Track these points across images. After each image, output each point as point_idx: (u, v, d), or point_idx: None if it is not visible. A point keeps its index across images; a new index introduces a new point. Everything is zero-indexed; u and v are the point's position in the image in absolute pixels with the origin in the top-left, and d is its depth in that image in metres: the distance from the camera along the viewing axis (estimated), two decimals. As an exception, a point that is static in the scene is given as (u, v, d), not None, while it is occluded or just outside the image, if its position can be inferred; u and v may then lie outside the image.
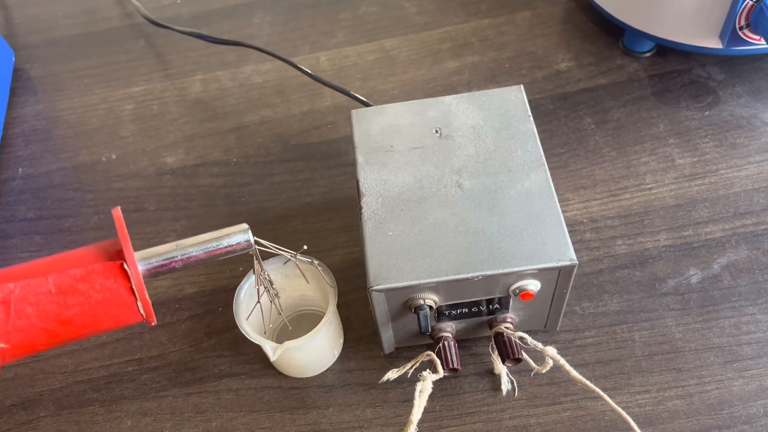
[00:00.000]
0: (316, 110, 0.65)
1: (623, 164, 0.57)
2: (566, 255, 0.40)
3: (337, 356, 0.50)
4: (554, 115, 0.61)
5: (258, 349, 0.50)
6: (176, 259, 0.37)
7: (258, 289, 0.42)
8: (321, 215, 0.57)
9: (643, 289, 0.50)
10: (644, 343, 0.48)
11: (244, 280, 0.47)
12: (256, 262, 0.40)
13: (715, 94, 0.61)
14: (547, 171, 0.44)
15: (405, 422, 0.46)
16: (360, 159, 0.46)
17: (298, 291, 0.50)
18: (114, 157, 0.63)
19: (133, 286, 0.34)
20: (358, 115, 0.49)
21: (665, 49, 0.64)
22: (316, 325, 0.44)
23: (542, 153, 0.45)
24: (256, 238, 0.39)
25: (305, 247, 0.44)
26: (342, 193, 0.59)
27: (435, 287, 0.41)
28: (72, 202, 0.61)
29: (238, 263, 0.55)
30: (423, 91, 0.65)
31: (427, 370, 0.43)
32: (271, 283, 0.42)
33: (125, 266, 0.34)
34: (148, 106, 0.67)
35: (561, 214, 0.42)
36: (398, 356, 0.49)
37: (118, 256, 0.35)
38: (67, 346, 0.52)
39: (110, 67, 0.70)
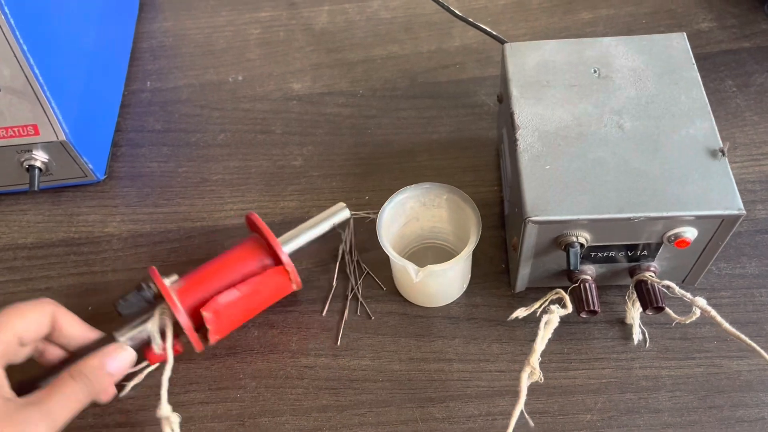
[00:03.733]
0: (444, 50, 0.64)
1: (765, 130, 0.55)
2: (734, 204, 0.39)
3: (464, 290, 0.50)
4: (693, 74, 0.59)
5: (385, 275, 0.50)
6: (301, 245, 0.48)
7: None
8: (447, 153, 0.57)
9: (784, 256, 0.49)
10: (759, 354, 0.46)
11: (386, 203, 0.47)
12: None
13: None
14: (713, 120, 0.43)
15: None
16: (514, 92, 0.46)
17: (431, 222, 0.50)
18: (240, 78, 0.64)
19: (291, 277, 0.46)
20: (512, 48, 0.48)
21: (815, 17, 0.61)
22: (440, 260, 0.44)
23: (707, 102, 0.44)
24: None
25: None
26: (469, 132, 0.58)
27: (590, 225, 0.41)
28: (199, 117, 0.61)
29: (365, 192, 0.55)
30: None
31: (556, 305, 0.42)
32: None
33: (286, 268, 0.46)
34: (275, 32, 0.67)
35: (728, 164, 0.41)
36: (526, 297, 0.49)
37: (271, 252, 0.46)
38: (195, 255, 0.53)
39: (237, -9, 0.70)
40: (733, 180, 0.40)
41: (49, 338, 0.42)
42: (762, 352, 0.40)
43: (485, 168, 0.55)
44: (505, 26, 0.65)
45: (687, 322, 0.43)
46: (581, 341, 0.47)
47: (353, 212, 0.50)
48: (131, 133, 0.61)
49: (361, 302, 0.49)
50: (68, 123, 0.51)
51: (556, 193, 0.41)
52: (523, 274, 0.46)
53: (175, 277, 0.45)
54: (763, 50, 0.60)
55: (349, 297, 0.50)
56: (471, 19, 0.59)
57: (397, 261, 0.44)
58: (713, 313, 0.41)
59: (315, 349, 0.48)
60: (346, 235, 0.51)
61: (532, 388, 0.45)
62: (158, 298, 0.44)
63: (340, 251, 0.51)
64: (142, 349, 0.44)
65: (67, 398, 0.39)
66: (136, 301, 0.44)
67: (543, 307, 0.44)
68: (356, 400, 0.46)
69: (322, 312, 0.49)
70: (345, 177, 0.56)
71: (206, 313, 0.43)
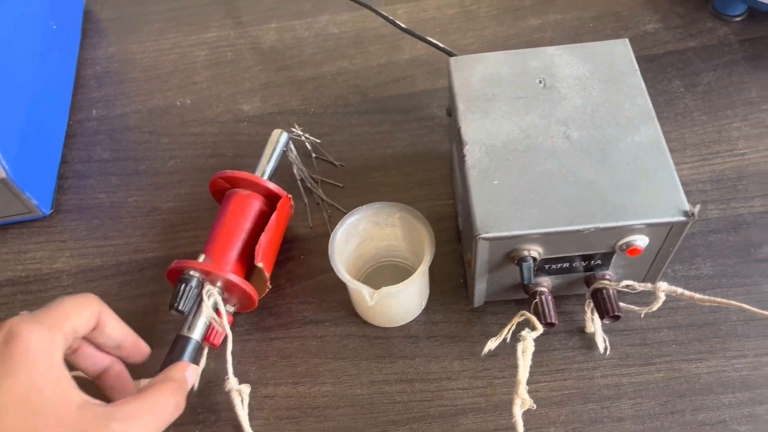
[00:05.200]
0: (394, 63, 0.63)
1: (714, 129, 0.56)
2: (681, 210, 0.39)
3: (423, 308, 0.49)
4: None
5: (342, 297, 0.50)
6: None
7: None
8: (402, 168, 0.56)
9: (738, 255, 0.49)
10: (740, 308, 0.47)
11: (338, 225, 0.46)
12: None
13: (810, 61, 0.59)
14: (658, 126, 0.43)
15: (493, 376, 0.46)
16: (461, 107, 0.45)
17: (386, 240, 0.49)
18: (189, 102, 0.62)
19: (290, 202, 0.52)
20: (457, 62, 0.48)
21: (757, 14, 0.62)
22: (397, 278, 0.44)
23: (652, 107, 0.44)
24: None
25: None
26: (423, 146, 0.58)
27: (541, 239, 0.41)
28: (148, 144, 0.60)
29: (319, 214, 0.54)
30: (503, 48, 0.62)
31: (526, 329, 0.42)
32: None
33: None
34: (222, 52, 0.66)
35: (674, 169, 0.41)
36: (485, 311, 0.49)
37: (257, 190, 0.51)
38: (147, 288, 0.52)
39: (183, 12, 0.69)
40: (680, 186, 0.40)
41: (86, 336, 0.40)
42: (743, 305, 0.40)
43: (440, 181, 0.55)
44: (453, 36, 0.64)
45: (655, 309, 0.43)
46: (542, 353, 0.46)
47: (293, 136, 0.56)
48: (78, 164, 0.59)
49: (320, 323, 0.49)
50: (8, 160, 0.49)
51: (505, 208, 0.41)
52: (480, 289, 0.46)
53: (202, 257, 0.47)
54: (709, 49, 0.61)
55: (307, 320, 0.49)
56: (418, 32, 0.58)
57: (351, 285, 0.43)
58: (680, 290, 0.41)
59: (274, 377, 0.47)
60: (294, 157, 0.55)
61: (496, 404, 0.45)
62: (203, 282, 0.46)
63: (297, 173, 0.55)
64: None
65: (164, 406, 0.38)
66: (189, 294, 0.45)
67: (510, 331, 0.43)
68: (318, 428, 0.45)
69: (284, 336, 0.48)
70: (301, 197, 0.55)
71: (260, 264, 0.46)
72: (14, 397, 0.33)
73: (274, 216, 0.48)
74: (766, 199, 0.52)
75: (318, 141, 0.58)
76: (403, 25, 0.58)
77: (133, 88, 0.64)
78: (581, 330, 0.47)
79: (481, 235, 0.40)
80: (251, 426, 0.44)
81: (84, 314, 0.38)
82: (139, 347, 0.43)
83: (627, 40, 0.48)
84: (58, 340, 0.36)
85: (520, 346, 0.41)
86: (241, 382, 0.45)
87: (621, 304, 0.44)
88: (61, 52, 0.63)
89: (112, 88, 0.64)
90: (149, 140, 0.60)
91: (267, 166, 0.52)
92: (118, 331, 0.41)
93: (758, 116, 0.56)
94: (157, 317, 0.50)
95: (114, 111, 0.62)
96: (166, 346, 0.48)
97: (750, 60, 0.60)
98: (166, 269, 0.52)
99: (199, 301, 0.46)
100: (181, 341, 0.45)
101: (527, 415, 0.44)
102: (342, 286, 0.46)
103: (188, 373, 0.43)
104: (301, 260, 0.52)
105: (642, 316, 0.45)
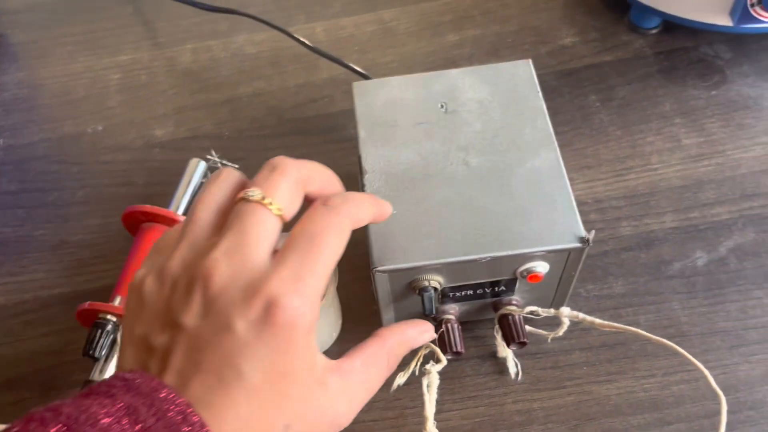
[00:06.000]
0: (312, 83, 0.62)
1: (629, 143, 0.56)
2: (576, 237, 0.39)
3: (335, 338, 0.48)
4: (558, 91, 0.59)
5: (253, 330, 0.48)
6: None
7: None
8: (317, 192, 0.55)
9: (649, 272, 0.49)
10: (650, 327, 0.47)
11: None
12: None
13: (722, 73, 0.59)
14: (557, 150, 0.43)
15: (404, 406, 0.45)
16: (362, 134, 0.45)
17: (295, 270, 0.48)
18: (100, 128, 0.61)
19: None
20: (360, 87, 0.47)
21: (672, 26, 0.62)
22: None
23: (552, 131, 0.44)
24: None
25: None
26: (340, 169, 0.55)
27: (440, 269, 0.40)
28: (57, 174, 0.58)
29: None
30: (423, 65, 0.62)
31: (431, 362, 0.41)
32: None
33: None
34: (136, 75, 0.64)
35: (572, 195, 0.41)
36: (398, 338, 0.48)
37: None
38: (53, 326, 0.50)
39: (95, 34, 0.67)
40: (577, 212, 0.40)
41: None
42: (638, 330, 0.40)
43: (355, 205, 0.54)
44: (372, 54, 0.64)
45: (560, 334, 0.42)
46: (454, 380, 0.46)
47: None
48: (-18, 197, 0.57)
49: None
50: None
51: (402, 239, 0.40)
52: (388, 318, 0.45)
53: (118, 299, 0.46)
54: (624, 62, 0.61)
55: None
56: (334, 52, 0.58)
57: (251, 321, 0.42)
58: (581, 315, 0.41)
59: (181, 417, 0.46)
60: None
61: (406, 436, 0.44)
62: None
63: None
64: None
65: (377, 373, 0.33)
66: (104, 339, 0.44)
67: (418, 363, 0.43)
68: (225, 469, 0.44)
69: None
70: (211, 226, 0.54)
71: None
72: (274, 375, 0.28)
73: None
74: (676, 215, 0.52)
75: (236, 166, 0.57)
76: (313, 46, 0.58)
77: (43, 115, 0.62)
78: (493, 354, 0.47)
79: (377, 268, 0.39)
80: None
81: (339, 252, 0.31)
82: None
83: (530, 61, 0.47)
84: (315, 314, 0.30)
85: (425, 381, 0.40)
86: None
87: (529, 328, 0.44)
88: (-35, 80, 0.61)
89: (20, 116, 0.62)
90: (58, 170, 0.58)
91: (183, 198, 0.51)
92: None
93: (671, 130, 0.56)
94: (62, 357, 0.49)
95: (22, 140, 0.60)
96: (71, 388, 0.47)
97: (664, 72, 0.60)
98: (73, 305, 0.51)
99: (112, 344, 0.44)
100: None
101: (436, 447, 0.43)
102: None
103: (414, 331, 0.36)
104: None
105: (549, 341, 0.45)
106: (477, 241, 0.39)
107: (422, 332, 0.37)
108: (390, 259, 0.39)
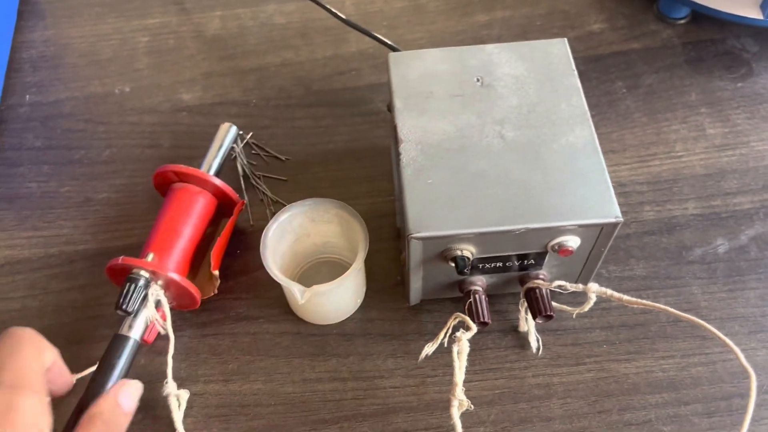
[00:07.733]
0: (340, 56, 0.62)
1: (653, 131, 0.57)
2: (611, 212, 0.40)
3: (359, 305, 0.49)
4: (585, 76, 0.60)
5: (277, 294, 0.49)
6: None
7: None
8: (343, 163, 0.56)
9: (670, 257, 0.50)
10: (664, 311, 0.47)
11: (271, 222, 0.45)
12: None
13: (748, 66, 0.60)
14: (592, 127, 0.43)
15: (426, 375, 0.46)
16: (398, 104, 0.45)
17: (323, 237, 0.48)
18: (127, 90, 0.61)
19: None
20: (395, 58, 0.47)
21: (700, 17, 0.63)
22: (336, 274, 0.43)
23: (587, 108, 0.44)
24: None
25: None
26: (365, 142, 0.57)
27: (474, 238, 0.40)
28: (83, 133, 0.58)
29: (260, 208, 0.53)
30: (451, 44, 0.63)
31: (460, 330, 0.42)
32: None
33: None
34: (164, 39, 0.64)
35: (606, 171, 0.41)
36: (421, 309, 0.48)
37: (204, 187, 0.49)
38: (78, 281, 0.50)
39: (124, -3, 0.67)
40: (611, 187, 0.41)
41: None
42: (667, 308, 0.40)
43: (381, 178, 0.55)
44: (401, 30, 0.64)
45: (586, 309, 0.43)
46: (475, 351, 0.46)
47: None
48: (8, 151, 0.57)
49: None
50: (-72, 146, 0.47)
51: (438, 207, 0.40)
52: (415, 288, 0.46)
53: (150, 255, 0.45)
54: (651, 51, 0.61)
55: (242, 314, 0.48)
56: (363, 26, 0.57)
57: (282, 282, 0.43)
58: (610, 291, 0.41)
59: (205, 375, 0.46)
60: (240, 151, 0.55)
61: (428, 403, 0.45)
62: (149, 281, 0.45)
63: (240, 169, 0.55)
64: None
65: None
66: (137, 293, 0.43)
67: (447, 334, 0.43)
68: (247, 427, 0.44)
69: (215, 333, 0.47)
70: (242, 191, 0.54)
71: (216, 272, 0.47)
72: None
73: (230, 222, 0.48)
74: (699, 202, 0.52)
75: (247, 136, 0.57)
76: (345, 18, 0.58)
77: (70, 74, 0.62)
78: (515, 329, 0.47)
79: (413, 235, 0.39)
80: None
81: (51, 350, 0.38)
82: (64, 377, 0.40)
83: (566, 40, 0.48)
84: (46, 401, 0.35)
85: (455, 348, 0.41)
86: (169, 379, 0.44)
87: (554, 303, 0.45)
88: (-7, 35, 0.61)
89: (47, 73, 0.62)
90: (85, 128, 0.58)
91: (214, 161, 0.51)
92: (65, 376, 0.40)
93: (696, 119, 0.57)
94: (86, 312, 0.49)
95: (48, 97, 0.60)
96: (95, 343, 0.47)
97: (691, 63, 0.60)
98: (97, 262, 0.51)
99: (143, 300, 0.44)
100: (120, 341, 0.43)
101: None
102: (277, 283, 0.45)
103: (123, 397, 0.39)
104: (237, 255, 0.51)
105: (574, 316, 0.45)
106: (512, 212, 0.40)
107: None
108: (426, 226, 0.40)
